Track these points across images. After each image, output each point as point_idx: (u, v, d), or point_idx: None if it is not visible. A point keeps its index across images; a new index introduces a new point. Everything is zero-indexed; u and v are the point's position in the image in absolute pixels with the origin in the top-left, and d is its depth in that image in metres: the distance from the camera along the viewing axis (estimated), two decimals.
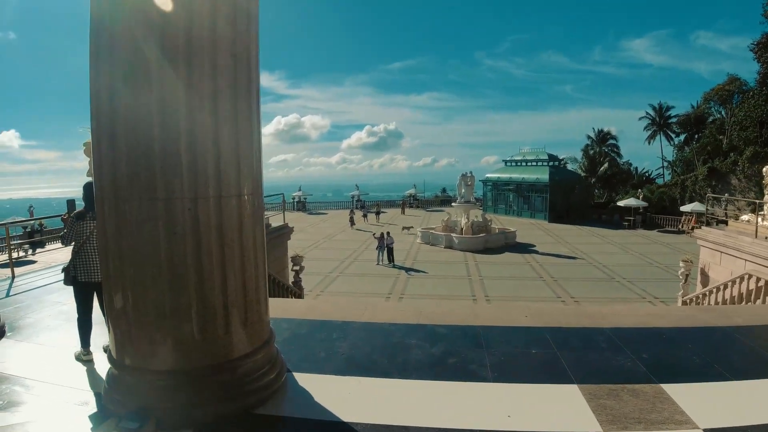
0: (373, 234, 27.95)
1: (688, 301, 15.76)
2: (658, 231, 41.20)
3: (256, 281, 3.89)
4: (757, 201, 14.60)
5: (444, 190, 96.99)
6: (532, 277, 23.94)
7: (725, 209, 43.61)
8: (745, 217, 15.58)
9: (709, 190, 48.41)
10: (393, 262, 26.54)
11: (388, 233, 27.48)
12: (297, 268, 16.47)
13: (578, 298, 19.75)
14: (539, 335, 5.63)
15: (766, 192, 14.61)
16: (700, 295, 15.02)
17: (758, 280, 12.16)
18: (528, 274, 24.65)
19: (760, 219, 13.56)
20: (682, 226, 40.62)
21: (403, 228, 38.78)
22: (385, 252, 26.67)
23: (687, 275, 16.43)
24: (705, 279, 15.60)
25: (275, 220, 17.15)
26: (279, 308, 6.40)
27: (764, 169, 15.01)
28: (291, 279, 16.77)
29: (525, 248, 32.10)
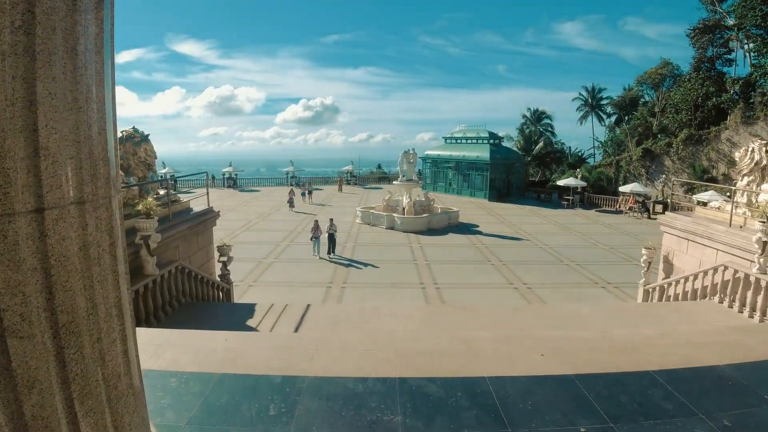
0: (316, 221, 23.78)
1: (650, 290, 14.86)
2: (596, 210, 41.18)
3: (108, 389, 1.83)
4: (732, 188, 13.60)
5: (380, 167, 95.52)
6: (480, 260, 22.62)
7: (662, 190, 44.33)
8: (714, 204, 14.70)
9: (643, 170, 49.24)
10: (334, 252, 22.97)
11: (331, 220, 23.76)
12: (224, 259, 14.22)
13: (531, 285, 18.54)
14: (574, 391, 3.89)
15: (740, 178, 13.66)
16: (665, 285, 14.16)
17: (735, 272, 11.22)
18: (475, 257, 23.33)
19: (734, 206, 12.66)
20: (620, 206, 40.71)
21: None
22: (323, 240, 22.92)
23: (650, 263, 15.40)
24: (668, 267, 14.76)
25: (198, 203, 14.84)
26: (188, 352, 4.38)
27: (737, 155, 14.04)
28: (218, 272, 14.54)
29: (468, 228, 30.90)
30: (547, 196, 47.04)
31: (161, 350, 4.39)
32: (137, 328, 6.19)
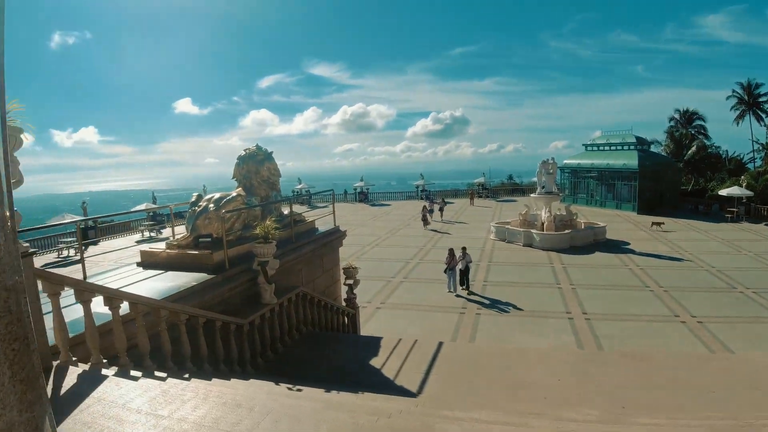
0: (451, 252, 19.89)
1: None
2: (766, 224, 35.49)
3: None
4: None
5: (511, 177, 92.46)
6: (635, 285, 19.76)
7: None
8: None
9: None
10: (467, 287, 19.43)
11: (463, 249, 19.85)
12: (350, 282, 13.31)
13: (701, 318, 15.64)
14: None
15: None
16: None
17: None
18: (629, 281, 20.46)
19: None
20: None
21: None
22: (457, 274, 19.35)
23: None
24: None
25: (326, 222, 14.09)
26: None
27: None
28: (344, 295, 13.64)
29: (618, 246, 27.65)
30: (706, 207, 41.70)
31: None
32: (232, 381, 5.15)
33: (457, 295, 18.73)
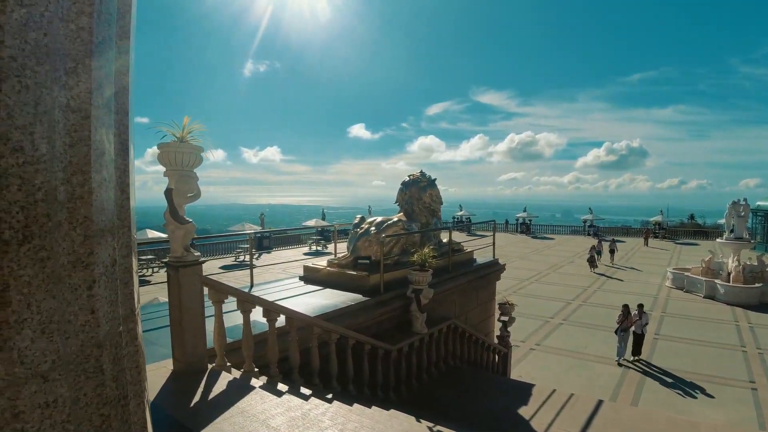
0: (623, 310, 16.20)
1: None
2: None
3: None
4: None
5: (692, 218, 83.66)
6: None
7: None
8: None
9: None
10: (639, 356, 15.83)
11: (640, 307, 16.06)
12: (505, 318, 12.67)
13: None
14: None
15: None
16: None
17: None
18: None
19: None
20: None
21: None
22: (630, 339, 15.79)
23: None
24: None
25: (482, 253, 13.67)
26: None
27: None
28: (497, 332, 13.06)
29: None
30: None
31: None
32: (372, 410, 4.99)
33: (620, 364, 15.49)
